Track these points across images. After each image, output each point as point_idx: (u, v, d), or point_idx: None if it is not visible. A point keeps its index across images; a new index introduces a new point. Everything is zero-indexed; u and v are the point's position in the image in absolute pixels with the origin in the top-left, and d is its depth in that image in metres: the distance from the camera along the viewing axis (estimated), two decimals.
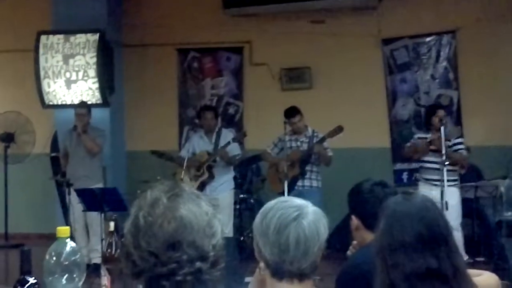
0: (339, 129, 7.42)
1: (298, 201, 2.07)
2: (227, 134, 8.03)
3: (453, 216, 7.08)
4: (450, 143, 7.19)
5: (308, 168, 7.61)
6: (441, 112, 7.36)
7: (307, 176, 7.61)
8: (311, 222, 1.99)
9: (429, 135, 7.30)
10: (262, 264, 2.04)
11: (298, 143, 7.69)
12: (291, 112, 7.67)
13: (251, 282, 2.22)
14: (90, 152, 7.84)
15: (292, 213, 2.00)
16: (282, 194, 6.88)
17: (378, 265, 2.11)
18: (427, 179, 7.33)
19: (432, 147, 7.18)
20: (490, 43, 9.15)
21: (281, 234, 1.97)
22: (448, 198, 6.89)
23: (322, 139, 7.48)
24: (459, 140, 7.42)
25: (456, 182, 7.31)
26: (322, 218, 2.03)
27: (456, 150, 7.25)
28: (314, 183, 7.64)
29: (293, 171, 7.53)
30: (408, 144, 7.61)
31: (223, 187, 7.84)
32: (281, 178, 7.38)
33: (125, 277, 1.60)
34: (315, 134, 7.67)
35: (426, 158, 7.34)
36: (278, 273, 1.98)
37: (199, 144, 7.91)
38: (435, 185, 7.05)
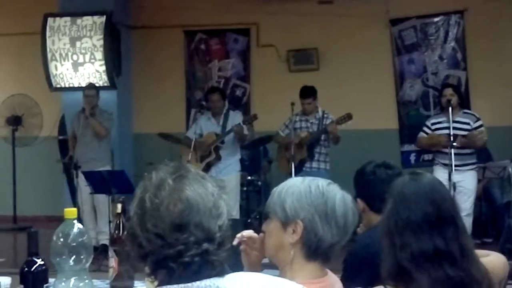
0: (348, 117, 7.34)
1: None
2: (235, 116, 8.00)
3: (469, 200, 6.99)
4: (470, 127, 6.95)
5: (316, 150, 7.59)
6: (447, 91, 7.13)
7: (315, 158, 7.59)
8: None
9: (442, 118, 7.05)
10: (288, 242, 2.02)
11: (308, 124, 7.66)
12: (306, 92, 7.65)
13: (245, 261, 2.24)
14: (97, 135, 7.85)
15: (343, 194, 2.06)
16: (291, 175, 6.86)
17: (385, 246, 2.10)
18: (443, 163, 6.98)
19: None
20: (498, 23, 9.08)
21: (346, 216, 2.02)
22: (465, 182, 6.81)
23: (331, 125, 7.41)
24: (480, 123, 7.02)
25: (474, 166, 7.12)
26: None
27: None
28: (322, 165, 7.62)
29: (302, 153, 7.52)
30: (422, 135, 7.29)
31: (229, 169, 7.80)
32: (289, 160, 7.36)
33: (132, 260, 1.60)
34: (325, 115, 7.64)
35: None
36: (318, 253, 2.01)
37: (207, 125, 7.87)
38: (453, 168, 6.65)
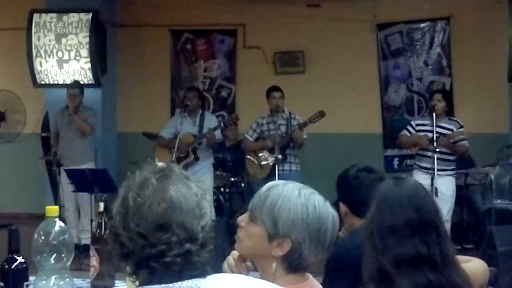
0: (321, 115, 7.33)
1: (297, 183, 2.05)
2: (211, 118, 7.99)
3: (446, 206, 6.94)
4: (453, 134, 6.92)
5: (287, 151, 7.54)
6: (436, 96, 7.12)
7: (287, 160, 7.55)
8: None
9: (427, 121, 7.04)
10: (270, 254, 1.96)
11: (276, 126, 7.59)
12: (275, 88, 7.64)
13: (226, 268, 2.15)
14: (81, 132, 7.79)
15: (333, 214, 2.00)
16: (266, 179, 6.86)
17: (367, 250, 2.11)
18: (422, 167, 6.98)
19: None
20: (484, 30, 9.13)
21: (332, 238, 1.98)
22: (443, 187, 6.73)
23: (304, 124, 7.39)
24: (462, 130, 7.03)
25: (453, 172, 7.08)
26: None
27: (458, 141, 6.94)
28: (294, 167, 7.54)
29: (273, 156, 7.49)
30: (405, 133, 7.23)
31: (204, 170, 7.75)
32: (262, 165, 7.35)
33: (113, 259, 1.58)
34: (292, 116, 7.59)
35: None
36: (298, 269, 1.96)
37: (183, 125, 7.74)
38: (431, 173, 6.66)
